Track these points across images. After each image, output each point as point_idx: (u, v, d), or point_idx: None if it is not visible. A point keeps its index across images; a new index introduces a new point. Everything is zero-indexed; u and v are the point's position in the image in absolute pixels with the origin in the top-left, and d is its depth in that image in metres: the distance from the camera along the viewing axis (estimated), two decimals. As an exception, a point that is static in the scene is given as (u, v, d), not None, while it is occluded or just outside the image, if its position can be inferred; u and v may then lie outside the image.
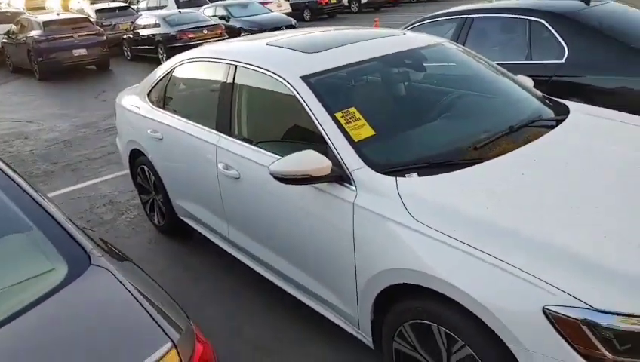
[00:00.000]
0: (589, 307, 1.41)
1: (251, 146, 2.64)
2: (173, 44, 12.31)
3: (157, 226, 4.04)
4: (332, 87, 2.47)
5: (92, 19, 14.02)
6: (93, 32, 12.51)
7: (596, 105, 2.84)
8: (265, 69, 2.60)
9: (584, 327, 1.40)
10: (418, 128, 2.45)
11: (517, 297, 1.51)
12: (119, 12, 16.33)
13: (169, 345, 1.17)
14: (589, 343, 1.40)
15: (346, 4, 22.43)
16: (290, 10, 19.82)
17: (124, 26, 15.29)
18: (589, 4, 4.18)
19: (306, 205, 2.26)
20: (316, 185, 2.15)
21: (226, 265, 3.37)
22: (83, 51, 12.16)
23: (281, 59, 2.66)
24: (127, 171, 4.24)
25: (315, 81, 2.40)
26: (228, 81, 2.88)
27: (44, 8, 23.60)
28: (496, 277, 1.56)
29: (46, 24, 12.22)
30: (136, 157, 3.92)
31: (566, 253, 1.54)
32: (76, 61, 12.20)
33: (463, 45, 4.44)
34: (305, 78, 2.41)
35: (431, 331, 1.82)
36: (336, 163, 2.11)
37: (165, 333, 1.20)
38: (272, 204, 2.48)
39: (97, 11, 16.13)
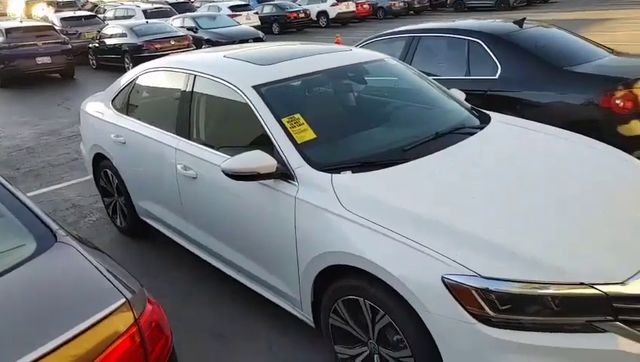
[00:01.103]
0: (477, 275, 1.72)
1: (207, 148, 2.89)
2: (140, 54, 12.40)
3: (119, 227, 4.21)
4: (280, 96, 2.76)
5: (57, 28, 13.93)
6: (58, 41, 12.47)
7: (525, 118, 3.21)
8: (221, 79, 2.87)
9: (473, 292, 1.71)
10: (355, 133, 2.76)
11: (422, 269, 1.82)
12: (85, 21, 16.27)
13: (123, 300, 1.40)
14: (477, 305, 1.71)
15: (315, 18, 22.97)
16: (259, 23, 20.17)
17: (90, 34, 15.25)
18: (521, 27, 4.64)
19: (254, 200, 2.52)
20: (263, 181, 2.42)
21: (182, 261, 3.57)
22: (47, 59, 12.10)
23: (236, 70, 2.94)
24: (91, 176, 4.40)
25: (265, 90, 2.69)
26: (187, 89, 3.13)
27: (5, 15, 23.18)
28: (408, 254, 1.87)
29: (8, 31, 12.11)
30: (100, 161, 4.10)
31: (461, 232, 1.86)
32: (40, 69, 12.13)
33: (411, 61, 4.85)
34: (256, 88, 2.69)
35: (359, 305, 2.11)
36: (281, 162, 2.39)
37: (120, 292, 1.44)
38: (225, 200, 2.73)
39: (63, 19, 16.01)
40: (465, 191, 2.14)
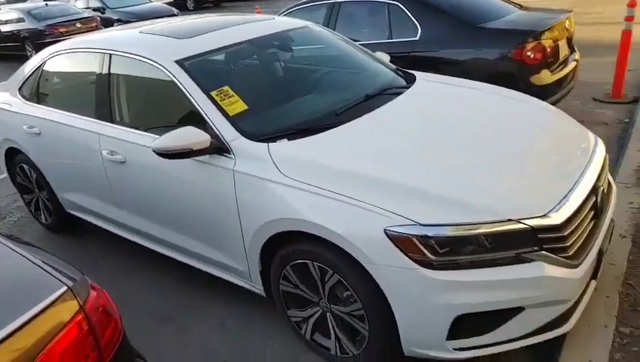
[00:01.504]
0: (416, 223, 1.81)
1: (134, 130, 2.76)
2: (43, 40, 11.43)
3: (44, 225, 3.96)
4: (206, 69, 2.68)
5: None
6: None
7: (446, 75, 3.34)
8: (140, 56, 2.73)
9: (414, 240, 1.80)
10: (288, 102, 2.75)
11: (365, 225, 1.88)
12: (-27, 7, 14.69)
13: (64, 288, 1.34)
14: (419, 251, 1.80)
15: (231, -8, 22.19)
16: None
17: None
18: None
19: (190, 177, 2.46)
20: (198, 158, 2.37)
21: (119, 250, 3.44)
22: None
23: (155, 45, 2.80)
24: (5, 174, 4.08)
25: (189, 64, 2.60)
26: (103, 70, 2.95)
27: None
28: (350, 212, 1.92)
29: None
30: (14, 156, 3.80)
31: (398, 186, 1.94)
32: None
33: (334, 28, 4.86)
34: (179, 62, 2.59)
35: (307, 268, 2.15)
36: (215, 136, 2.34)
37: (60, 281, 1.37)
38: (159, 182, 2.65)
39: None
40: (398, 147, 2.21)
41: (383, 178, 1.99)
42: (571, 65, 4.44)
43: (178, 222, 2.69)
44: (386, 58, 3.51)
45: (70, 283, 1.37)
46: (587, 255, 1.93)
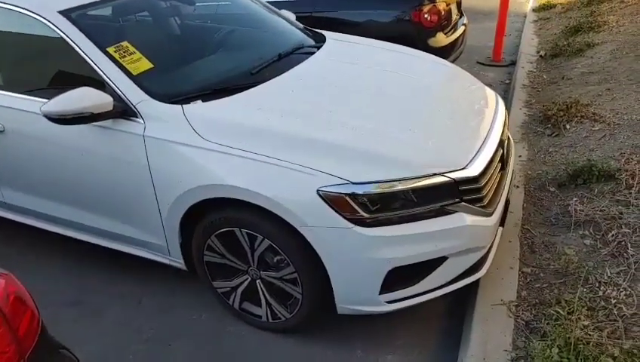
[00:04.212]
0: (348, 182, 1.81)
1: (13, 94, 2.38)
2: None
3: None
4: (98, 22, 2.38)
5: None
6: None
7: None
8: (12, 5, 2.33)
9: (347, 198, 1.80)
10: (199, 60, 2.56)
11: (296, 187, 1.84)
12: None
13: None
14: (352, 209, 1.81)
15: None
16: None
17: None
18: None
19: (90, 146, 2.20)
20: (99, 123, 2.11)
21: (17, 236, 3.01)
22: None
23: (32, -7, 2.40)
24: None
25: (77, 16, 2.28)
26: (-34, 24, 2.47)
27: None
28: (277, 174, 1.86)
29: None
30: None
31: (326, 145, 1.92)
32: None
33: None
34: (65, 13, 2.25)
35: (234, 236, 2.06)
36: (117, 98, 2.10)
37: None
38: (51, 152, 2.33)
39: None
40: (319, 106, 2.18)
41: (308, 137, 1.95)
42: (461, 29, 4.71)
43: (77, 196, 2.40)
44: (292, 17, 3.41)
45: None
46: (498, 204, 2.09)
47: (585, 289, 2.10)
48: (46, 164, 2.38)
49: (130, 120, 2.12)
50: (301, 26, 3.25)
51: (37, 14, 2.26)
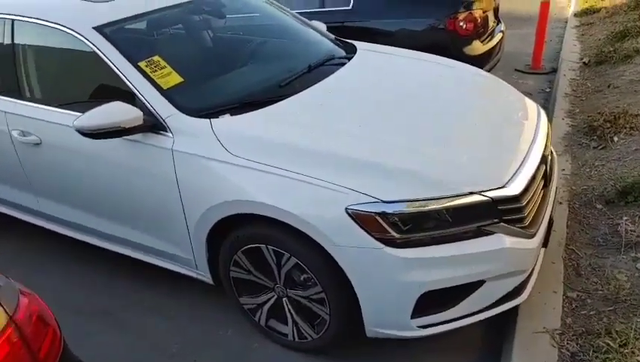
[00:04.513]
0: (379, 200, 1.73)
1: (49, 107, 2.42)
2: None
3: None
4: (131, 37, 2.39)
5: None
6: None
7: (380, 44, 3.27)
8: (51, 22, 2.38)
9: (377, 217, 1.72)
10: (227, 73, 2.54)
11: (325, 204, 1.77)
12: None
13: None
14: (382, 229, 1.73)
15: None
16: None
17: None
18: None
19: (121, 159, 2.20)
20: (129, 137, 2.11)
21: (40, 243, 3.08)
22: None
23: (67, 9, 2.45)
24: None
25: (111, 32, 2.29)
26: (5, 40, 2.55)
27: None
28: (306, 191, 1.80)
29: None
30: None
31: (356, 161, 1.84)
32: None
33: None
34: (99, 29, 2.28)
35: (261, 252, 2.01)
36: (148, 112, 2.10)
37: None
38: (84, 165, 2.35)
39: None
40: (350, 121, 2.11)
41: (337, 153, 1.89)
42: (498, 36, 4.56)
43: (108, 208, 2.42)
44: (323, 27, 3.36)
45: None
46: (540, 224, 1.97)
47: (639, 320, 1.94)
48: (78, 175, 2.41)
49: (160, 134, 2.11)
50: (332, 36, 3.20)
51: (72, 30, 2.30)
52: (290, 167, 1.86)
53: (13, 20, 2.53)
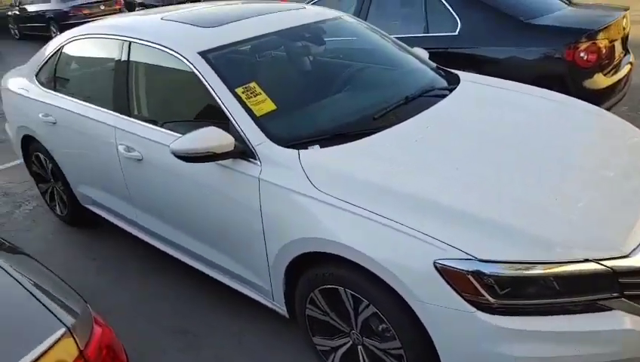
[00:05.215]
0: (473, 258, 1.54)
1: (152, 126, 2.54)
2: (67, 21, 11.36)
3: (59, 216, 3.79)
4: (231, 63, 2.43)
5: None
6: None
7: (488, 75, 3.04)
8: (161, 45, 2.50)
9: (470, 277, 1.53)
10: (319, 101, 2.49)
11: (410, 254, 1.62)
12: (0, -15, 14.72)
13: (63, 330, 1.12)
14: (474, 291, 1.54)
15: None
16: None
17: (8, 0, 13.82)
18: None
19: (211, 183, 2.23)
20: (220, 161, 2.13)
21: (134, 251, 3.25)
22: (-41, 30, 10.86)
23: (177, 34, 2.56)
24: (21, 160, 3.93)
25: (214, 57, 2.35)
26: (122, 59, 2.73)
27: None
28: (392, 237, 1.66)
29: None
30: (30, 143, 3.62)
31: (452, 210, 1.67)
32: (-49, 41, 10.88)
33: (365, 19, 4.56)
34: (203, 54, 2.35)
35: (339, 294, 1.91)
36: (239, 138, 2.10)
37: (58, 319, 1.15)
38: (178, 184, 2.42)
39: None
40: (447, 161, 1.94)
41: (431, 199, 1.72)
42: (625, 68, 4.07)
43: (197, 228, 2.47)
44: (424, 55, 3.21)
45: (70, 322, 1.15)
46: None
47: None
48: (173, 193, 2.48)
49: (249, 161, 2.10)
50: (433, 65, 3.04)
51: (179, 53, 2.39)
52: (377, 209, 1.73)
53: (130, 42, 2.70)
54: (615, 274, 1.51)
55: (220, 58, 2.37)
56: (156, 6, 12.64)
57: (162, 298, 2.82)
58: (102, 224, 3.49)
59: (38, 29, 12.38)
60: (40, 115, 3.28)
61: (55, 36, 11.91)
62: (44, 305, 1.21)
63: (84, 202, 3.40)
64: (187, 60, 2.34)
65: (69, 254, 3.39)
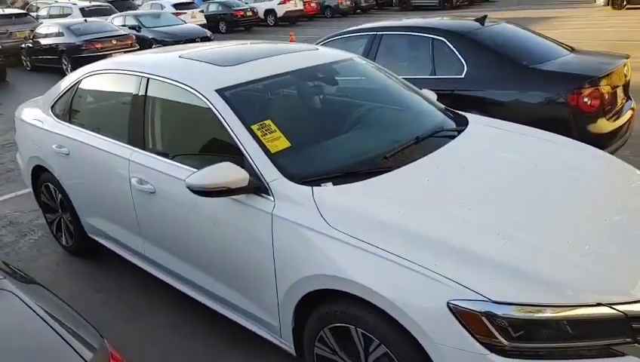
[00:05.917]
0: (487, 299, 1.55)
1: (167, 160, 2.59)
2: (79, 55, 11.62)
3: (65, 247, 3.80)
4: (247, 100, 2.50)
5: (-16, 26, 12.88)
6: (-14, 40, 11.49)
7: (493, 117, 3.12)
8: (179, 82, 2.58)
9: (483, 318, 1.54)
10: (332, 140, 2.54)
11: (424, 294, 1.63)
12: (16, 19, 15.11)
13: (81, 366, 1.13)
14: (488, 332, 1.54)
15: (262, 17, 22.56)
16: (205, 21, 19.53)
17: (22, 34, 14.19)
18: (483, 25, 4.59)
19: (224, 217, 2.26)
20: (234, 196, 2.16)
21: (139, 284, 3.25)
22: (-26, 60, 11.11)
23: (195, 72, 2.65)
24: (30, 190, 3.96)
25: (231, 94, 2.42)
26: (140, 94, 2.80)
27: None
28: (405, 277, 1.68)
29: None
30: (40, 173, 3.67)
31: (465, 251, 1.69)
32: (-34, 71, 11.12)
33: (374, 60, 4.69)
34: (220, 92, 2.42)
35: (349, 333, 1.90)
36: (254, 174, 2.14)
37: (77, 353, 1.15)
38: (190, 218, 2.45)
39: (-10, 17, 14.85)
40: (459, 201, 1.97)
41: (443, 239, 1.75)
42: (627, 114, 4.16)
43: (206, 262, 2.48)
44: (433, 96, 3.29)
45: (89, 357, 1.15)
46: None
47: None
48: (185, 226, 2.50)
49: (262, 196, 2.13)
50: (442, 106, 3.12)
51: (196, 90, 2.46)
52: (389, 247, 1.75)
53: (148, 78, 2.78)
54: (628, 318, 1.52)
55: (236, 96, 2.44)
56: (168, 43, 12.98)
57: (167, 331, 2.80)
58: (103, 253, 3.50)
59: (50, 61, 12.66)
60: (54, 146, 3.34)
61: (67, 68, 12.12)
62: (63, 339, 1.21)
63: (90, 233, 3.42)
64: (205, 97, 2.41)
65: (74, 286, 3.37)
